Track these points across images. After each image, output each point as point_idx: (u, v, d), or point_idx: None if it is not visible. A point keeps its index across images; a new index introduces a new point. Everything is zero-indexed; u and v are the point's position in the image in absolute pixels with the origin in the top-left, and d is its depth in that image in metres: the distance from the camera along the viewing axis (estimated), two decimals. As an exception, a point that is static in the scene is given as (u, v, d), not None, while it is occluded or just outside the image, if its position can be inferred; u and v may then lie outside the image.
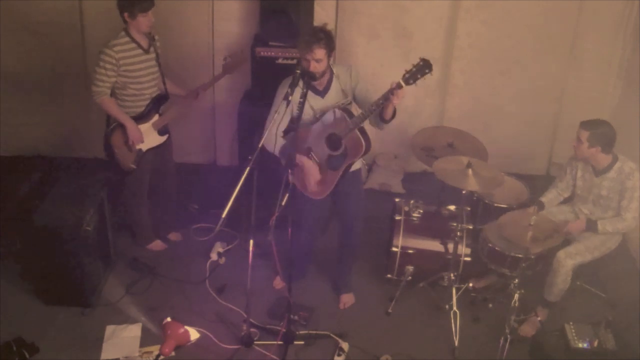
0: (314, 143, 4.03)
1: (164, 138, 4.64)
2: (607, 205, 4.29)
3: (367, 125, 3.96)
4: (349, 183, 4.17)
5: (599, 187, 4.28)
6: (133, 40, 4.30)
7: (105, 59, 4.23)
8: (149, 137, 4.54)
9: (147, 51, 4.37)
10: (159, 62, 4.46)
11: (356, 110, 4.03)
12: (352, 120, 3.89)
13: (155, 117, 4.54)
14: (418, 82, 3.70)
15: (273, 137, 3.92)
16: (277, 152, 4.01)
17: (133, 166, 4.54)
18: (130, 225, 4.93)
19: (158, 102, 4.53)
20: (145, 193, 4.74)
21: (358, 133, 3.90)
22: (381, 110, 3.82)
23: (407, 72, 3.69)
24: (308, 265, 4.72)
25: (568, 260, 4.19)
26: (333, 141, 3.99)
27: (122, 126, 4.42)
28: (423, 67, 3.68)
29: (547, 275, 4.29)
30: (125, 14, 4.24)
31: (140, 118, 4.47)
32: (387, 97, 3.74)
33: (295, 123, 3.82)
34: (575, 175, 4.43)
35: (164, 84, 4.55)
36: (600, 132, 4.15)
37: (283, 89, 3.93)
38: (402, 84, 3.69)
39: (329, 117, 3.97)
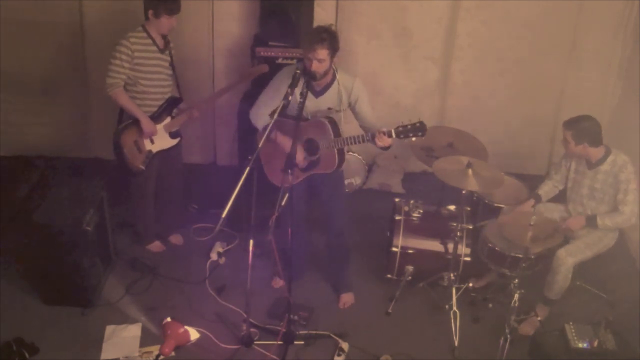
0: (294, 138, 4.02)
1: (175, 141, 4.63)
2: (601, 198, 4.29)
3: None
4: (327, 184, 4.21)
5: (593, 180, 4.28)
6: (150, 36, 4.31)
7: (120, 50, 4.24)
8: (159, 138, 4.53)
9: (162, 51, 4.38)
10: (173, 66, 4.46)
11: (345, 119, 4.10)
12: (335, 139, 3.96)
13: (167, 120, 4.53)
14: (406, 140, 3.79)
15: (260, 116, 4.03)
16: (259, 126, 4.08)
17: (142, 167, 4.54)
18: (132, 224, 4.93)
19: (171, 105, 4.53)
20: (151, 194, 4.74)
21: (336, 152, 3.99)
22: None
23: (402, 126, 3.76)
24: (305, 265, 4.71)
25: (569, 258, 4.19)
26: (311, 146, 4.03)
27: (134, 124, 4.41)
28: (418, 129, 3.74)
29: (548, 273, 4.29)
30: (150, 11, 4.25)
31: (152, 118, 4.46)
32: (372, 137, 3.83)
33: (296, 120, 3.82)
34: (569, 167, 4.44)
35: (178, 87, 4.55)
36: (582, 128, 4.16)
37: (282, 77, 3.99)
38: (393, 134, 3.76)
39: (315, 122, 3.99)
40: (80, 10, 5.38)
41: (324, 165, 4.06)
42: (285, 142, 3.99)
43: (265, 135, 3.71)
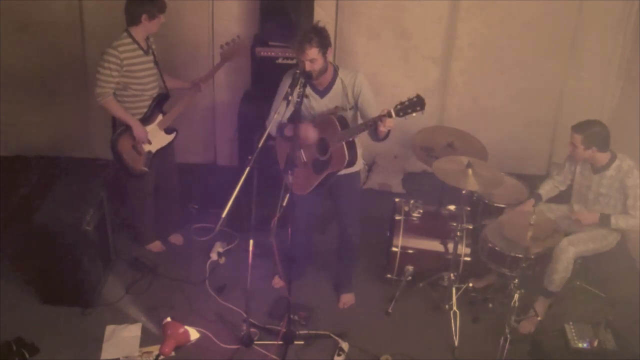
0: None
1: (172, 137, 4.64)
2: (607, 203, 4.29)
3: (364, 135, 3.97)
4: (343, 185, 4.19)
5: (598, 185, 4.28)
6: (135, 41, 4.30)
7: (109, 60, 4.23)
8: (156, 137, 4.53)
9: (146, 52, 4.38)
10: (157, 63, 4.46)
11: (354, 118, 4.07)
12: (342, 132, 3.92)
13: (160, 117, 4.54)
14: (407, 116, 3.70)
15: (273, 122, 3.97)
16: (274, 133, 4.06)
17: (145, 169, 4.55)
18: (132, 224, 4.93)
19: (160, 102, 4.53)
20: (149, 193, 4.74)
21: (344, 146, 3.93)
22: (375, 128, 3.83)
23: (400, 103, 3.69)
24: (307, 265, 4.72)
25: (571, 247, 4.20)
26: (322, 146, 4.01)
27: (126, 130, 4.42)
28: (415, 104, 3.66)
29: (549, 264, 4.28)
30: (144, 16, 4.24)
31: (144, 120, 4.47)
32: (375, 122, 3.77)
33: (295, 120, 3.82)
34: (574, 171, 4.44)
35: (164, 83, 4.56)
36: (593, 133, 4.15)
37: (286, 81, 3.98)
38: (393, 114, 3.69)
39: (323, 120, 3.98)
40: (80, 10, 5.39)
41: (335, 162, 4.00)
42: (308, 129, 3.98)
43: (262, 140, 3.70)
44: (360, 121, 4.07)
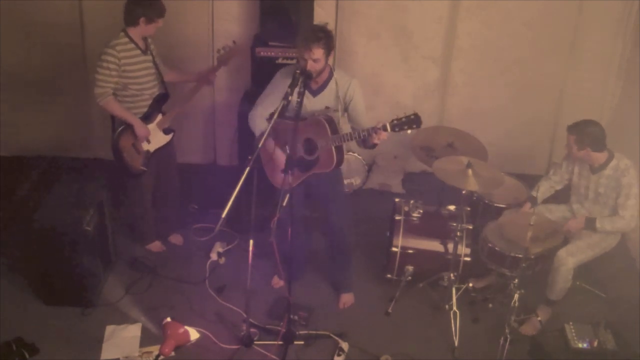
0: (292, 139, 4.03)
1: (169, 137, 4.65)
2: (605, 202, 4.29)
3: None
4: (323, 184, 4.20)
5: (596, 185, 4.28)
6: (132, 41, 4.30)
7: (108, 59, 4.23)
8: (155, 137, 4.54)
9: (144, 52, 4.38)
10: (155, 63, 4.47)
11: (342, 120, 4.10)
12: (333, 136, 3.94)
13: (159, 117, 4.54)
14: (402, 132, 3.78)
15: (258, 119, 4.02)
16: (255, 128, 4.07)
17: (143, 168, 4.55)
18: (132, 224, 4.93)
19: (160, 102, 4.54)
20: (149, 193, 4.74)
21: (333, 150, 3.97)
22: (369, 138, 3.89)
23: (396, 119, 3.77)
24: (305, 266, 4.71)
25: (569, 258, 4.19)
26: (309, 146, 4.02)
27: (127, 128, 4.42)
28: (412, 121, 3.74)
29: (549, 274, 4.29)
30: (142, 19, 4.24)
31: (144, 119, 4.47)
32: (369, 133, 3.83)
33: (295, 120, 3.82)
34: (572, 171, 4.43)
35: (164, 83, 4.56)
36: (586, 134, 4.15)
37: (279, 78, 4.02)
38: (388, 128, 3.76)
39: (313, 122, 3.99)
40: (80, 10, 5.39)
41: (322, 164, 4.04)
42: (280, 155, 4.01)
43: (264, 137, 3.71)
44: (347, 124, 4.10)
